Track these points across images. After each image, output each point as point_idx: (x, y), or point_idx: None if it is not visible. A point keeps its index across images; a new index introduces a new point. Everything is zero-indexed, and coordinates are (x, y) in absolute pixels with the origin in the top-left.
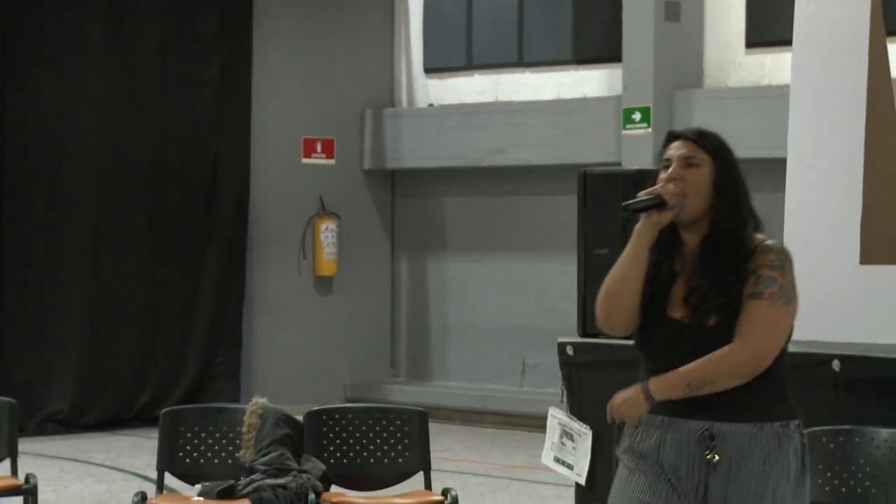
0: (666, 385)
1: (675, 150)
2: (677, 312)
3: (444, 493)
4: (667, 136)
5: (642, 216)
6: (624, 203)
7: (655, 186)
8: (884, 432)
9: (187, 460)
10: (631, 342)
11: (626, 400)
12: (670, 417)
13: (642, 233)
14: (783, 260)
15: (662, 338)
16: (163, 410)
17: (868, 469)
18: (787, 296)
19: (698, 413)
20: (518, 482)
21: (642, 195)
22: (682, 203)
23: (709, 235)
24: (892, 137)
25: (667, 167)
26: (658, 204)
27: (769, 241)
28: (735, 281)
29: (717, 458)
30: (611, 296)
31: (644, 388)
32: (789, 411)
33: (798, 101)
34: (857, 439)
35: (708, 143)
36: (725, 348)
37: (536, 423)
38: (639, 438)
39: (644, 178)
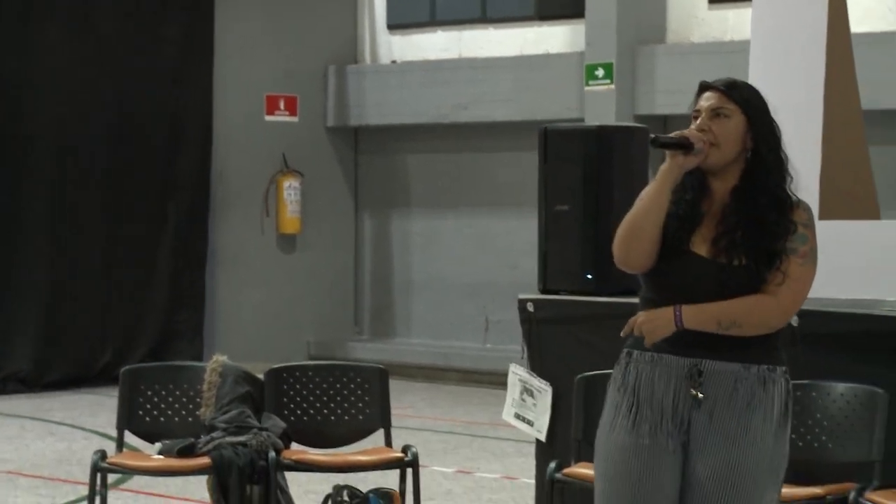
0: (698, 316)
1: (705, 101)
2: (701, 249)
3: (405, 450)
4: (699, 87)
5: (668, 156)
6: (652, 136)
7: (684, 130)
8: (840, 386)
9: (147, 419)
10: (590, 298)
11: (653, 318)
12: (660, 353)
13: (667, 172)
14: (812, 220)
15: (685, 272)
16: (122, 369)
17: (825, 423)
18: (815, 255)
19: (687, 350)
20: (480, 439)
21: (673, 134)
22: (707, 151)
23: (741, 184)
24: (850, 93)
25: (697, 118)
26: (683, 145)
27: (796, 198)
28: (768, 231)
29: (700, 395)
30: (631, 232)
31: (676, 312)
32: (777, 357)
33: (758, 55)
34: (814, 393)
35: (737, 93)
36: (758, 297)
37: (499, 380)
38: (628, 375)
39: (605, 134)
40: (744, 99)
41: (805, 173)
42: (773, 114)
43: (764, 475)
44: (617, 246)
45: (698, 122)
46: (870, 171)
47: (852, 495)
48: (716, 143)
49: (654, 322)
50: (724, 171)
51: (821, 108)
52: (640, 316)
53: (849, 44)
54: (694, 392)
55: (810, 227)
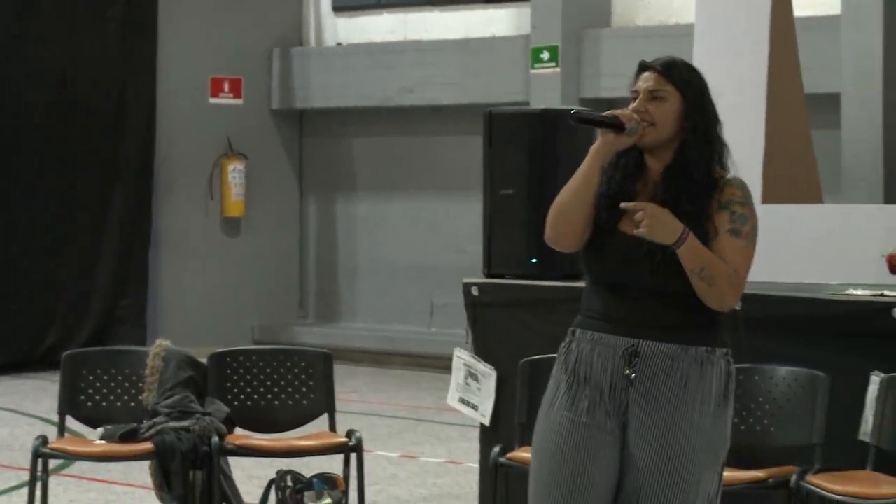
0: (695, 248)
1: (643, 82)
2: (629, 228)
3: (349, 434)
4: (638, 67)
5: (599, 135)
6: (572, 110)
7: (616, 110)
8: (782, 370)
9: (89, 404)
10: (534, 282)
11: (662, 218)
12: (600, 333)
13: (597, 151)
14: (748, 196)
15: (615, 252)
16: (64, 354)
17: (767, 407)
18: (756, 232)
19: (627, 330)
20: (425, 423)
21: (603, 114)
22: (643, 131)
23: (673, 163)
24: (793, 77)
25: (636, 99)
26: (612, 124)
27: (730, 176)
28: (698, 208)
29: (633, 374)
30: (560, 212)
31: (685, 230)
32: (717, 339)
33: (702, 39)
34: (756, 377)
35: (675, 74)
36: (730, 268)
37: (444, 364)
38: (570, 355)
39: (550, 117)
40: (681, 79)
41: (748, 157)
42: (714, 95)
43: (700, 456)
44: (548, 225)
45: (636, 103)
46: (812, 155)
47: (794, 478)
48: (653, 123)
49: (660, 220)
50: (660, 150)
51: (764, 92)
52: (651, 206)
53: (792, 28)
54: (627, 372)
55: (747, 203)
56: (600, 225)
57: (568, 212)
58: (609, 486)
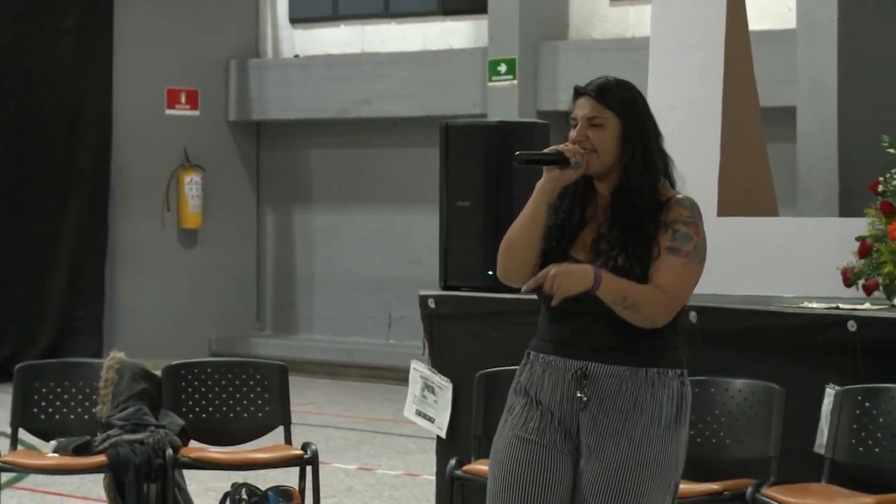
0: (611, 284)
1: (580, 109)
2: (582, 255)
3: (304, 447)
4: (573, 92)
5: (544, 172)
6: (516, 153)
7: (560, 145)
8: (738, 382)
9: (42, 416)
10: (490, 294)
11: (569, 272)
12: (552, 356)
13: (543, 189)
14: (696, 216)
15: None
16: (17, 366)
17: (723, 419)
18: (701, 254)
19: (576, 353)
20: (382, 435)
21: (546, 151)
22: (587, 161)
23: (619, 187)
24: (749, 90)
25: (574, 126)
26: (556, 161)
27: (680, 196)
28: (644, 231)
29: (584, 397)
30: (510, 249)
31: (596, 271)
32: (671, 360)
33: (657, 52)
34: (712, 389)
35: (610, 98)
36: (655, 290)
37: (402, 377)
38: (525, 376)
39: (506, 129)
40: (617, 102)
41: (704, 170)
42: (669, 109)
43: (649, 476)
44: (499, 262)
45: (575, 132)
46: (768, 168)
47: (749, 491)
48: (593, 151)
49: (570, 276)
50: (606, 175)
51: (720, 106)
52: (559, 268)
53: (747, 41)
54: (578, 395)
55: (692, 224)
56: (553, 253)
57: (518, 248)
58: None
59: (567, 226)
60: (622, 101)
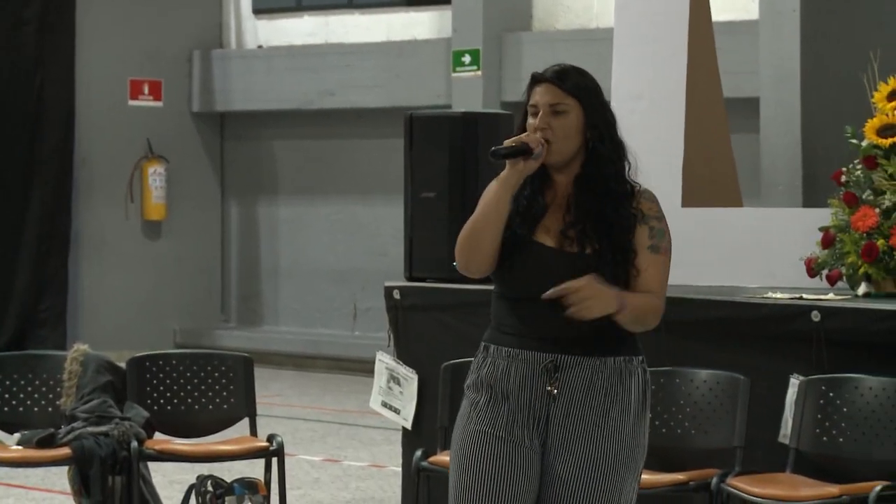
0: (633, 310)
1: (541, 96)
2: (548, 240)
3: (270, 439)
4: (531, 79)
5: (508, 164)
6: (492, 149)
7: (521, 135)
8: (703, 373)
9: (6, 408)
10: (455, 285)
11: (598, 297)
12: (517, 349)
13: (507, 180)
14: (661, 210)
15: (534, 264)
16: None
17: (688, 409)
18: (671, 249)
19: (545, 345)
20: (348, 427)
21: (508, 142)
22: (548, 149)
23: (583, 174)
24: (712, 80)
25: (534, 114)
26: (523, 151)
27: (642, 188)
28: (621, 217)
29: (555, 390)
30: (470, 240)
31: (620, 296)
32: (633, 348)
33: (621, 42)
34: (677, 380)
35: (571, 84)
36: (650, 297)
37: (368, 368)
38: (486, 370)
39: (470, 120)
40: (578, 89)
41: (668, 161)
42: (634, 99)
43: (623, 466)
44: (458, 254)
45: (538, 120)
46: (732, 158)
47: (714, 481)
48: (555, 140)
49: (599, 298)
50: (567, 164)
51: (683, 96)
52: (586, 287)
53: (710, 32)
54: (549, 388)
55: (662, 218)
56: (515, 240)
57: (481, 240)
58: (529, 501)
59: (529, 213)
60: (583, 88)
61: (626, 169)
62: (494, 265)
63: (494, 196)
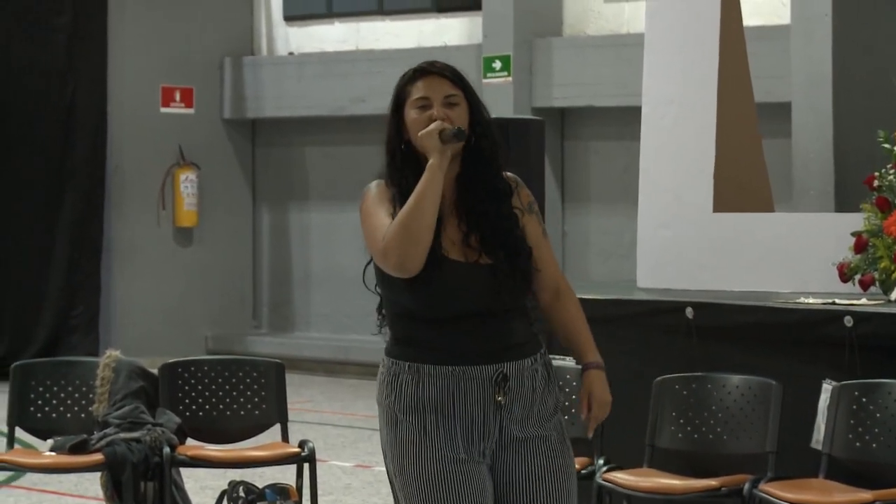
0: (596, 351)
1: (432, 89)
2: (456, 254)
3: (301, 445)
4: (415, 71)
5: (437, 152)
6: (450, 133)
7: (437, 123)
8: (735, 378)
9: (39, 415)
10: None
11: (606, 401)
12: (462, 366)
13: (440, 167)
14: (531, 196)
15: (452, 281)
16: (13, 365)
17: (720, 415)
18: None
19: (490, 358)
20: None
21: (435, 127)
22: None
23: (463, 173)
24: (744, 85)
25: (423, 106)
26: (461, 135)
27: (510, 174)
28: (506, 217)
29: (503, 400)
30: (412, 237)
31: (599, 367)
32: (539, 339)
33: (652, 48)
34: (709, 385)
35: (458, 78)
36: (573, 301)
37: None
38: (422, 391)
39: (501, 126)
40: (464, 83)
41: (699, 166)
42: (666, 103)
43: (569, 462)
44: (393, 251)
45: (436, 110)
46: (763, 163)
47: (747, 487)
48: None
49: (606, 403)
50: (451, 161)
51: (715, 102)
52: (602, 396)
53: (742, 37)
54: (499, 398)
55: (535, 201)
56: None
57: (419, 235)
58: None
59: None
60: (466, 82)
61: (500, 165)
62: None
63: (431, 185)
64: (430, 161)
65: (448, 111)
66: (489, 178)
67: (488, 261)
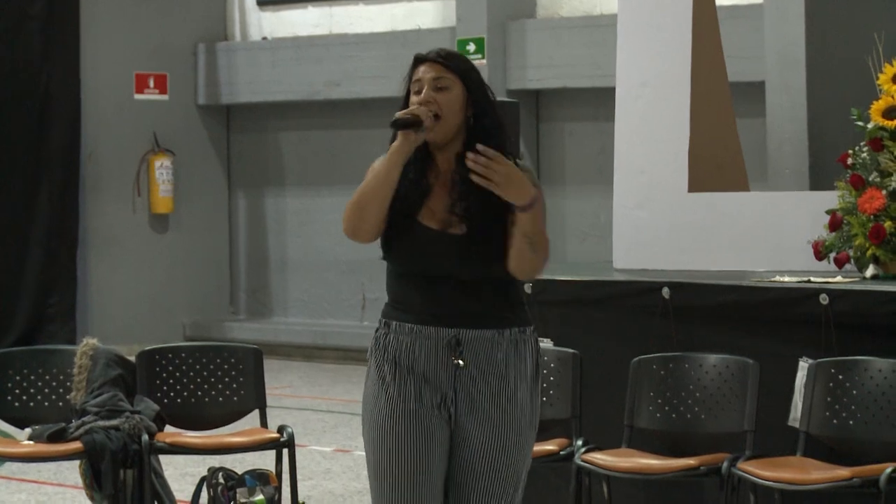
0: (538, 215)
1: (424, 73)
2: (432, 222)
3: (280, 430)
4: (414, 60)
5: (400, 135)
6: (391, 121)
7: (412, 107)
8: (712, 358)
9: (16, 404)
10: None
11: (516, 175)
12: (420, 325)
13: (399, 150)
14: (536, 179)
15: (420, 246)
16: None
17: (698, 395)
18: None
19: (447, 321)
20: (358, 416)
21: (401, 114)
22: (432, 125)
23: (465, 150)
24: (717, 65)
25: (417, 91)
26: (416, 123)
27: (520, 161)
28: (495, 197)
29: (461, 363)
30: (361, 208)
31: (536, 193)
32: (525, 318)
33: (625, 29)
34: (686, 365)
35: (454, 63)
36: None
37: None
38: (390, 344)
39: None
40: (461, 68)
41: (674, 146)
42: (639, 85)
43: (525, 430)
44: (346, 220)
45: (422, 94)
46: (738, 143)
47: (725, 465)
48: (440, 114)
49: (514, 183)
50: (449, 142)
51: (689, 82)
52: (505, 166)
53: (715, 17)
54: (455, 360)
55: (539, 185)
56: (399, 222)
57: (369, 209)
58: (444, 466)
59: (414, 195)
60: (464, 66)
61: (506, 146)
62: (380, 233)
63: (387, 166)
64: (394, 143)
65: (436, 94)
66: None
67: (461, 231)
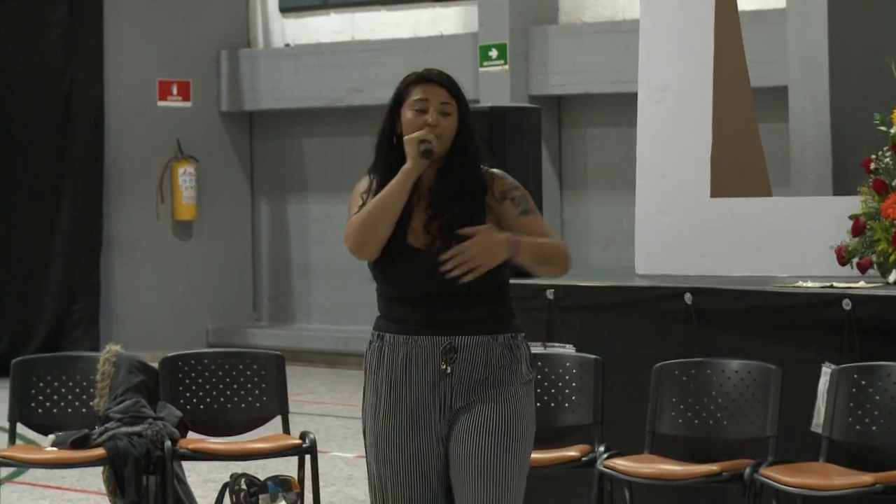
0: (529, 248)
1: (432, 94)
2: (418, 241)
3: (303, 436)
4: (416, 77)
5: (410, 158)
6: (424, 151)
7: (423, 132)
8: (735, 363)
9: (40, 410)
10: None
11: (488, 244)
12: (414, 336)
13: (410, 175)
14: (514, 180)
15: (407, 266)
16: (13, 361)
17: (720, 400)
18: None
19: (441, 329)
20: None
21: (429, 146)
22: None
23: (445, 168)
24: (740, 70)
25: (421, 109)
26: (431, 155)
27: (492, 170)
28: (475, 208)
29: (449, 369)
30: (369, 228)
31: (512, 239)
32: (517, 326)
33: (648, 34)
34: (708, 371)
35: (456, 90)
36: (555, 240)
37: None
38: (385, 356)
39: (498, 115)
40: (458, 92)
41: (696, 152)
42: (661, 89)
43: (522, 431)
44: (352, 237)
45: (431, 118)
46: (760, 148)
47: (748, 471)
48: (440, 139)
49: (489, 247)
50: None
51: (711, 87)
52: (474, 242)
53: (737, 22)
54: (444, 367)
55: (519, 187)
56: (390, 243)
57: (376, 229)
58: (443, 473)
59: (400, 216)
60: (460, 91)
61: (481, 160)
62: (380, 252)
63: (398, 189)
64: (405, 166)
65: (441, 119)
66: (466, 177)
67: (440, 245)
